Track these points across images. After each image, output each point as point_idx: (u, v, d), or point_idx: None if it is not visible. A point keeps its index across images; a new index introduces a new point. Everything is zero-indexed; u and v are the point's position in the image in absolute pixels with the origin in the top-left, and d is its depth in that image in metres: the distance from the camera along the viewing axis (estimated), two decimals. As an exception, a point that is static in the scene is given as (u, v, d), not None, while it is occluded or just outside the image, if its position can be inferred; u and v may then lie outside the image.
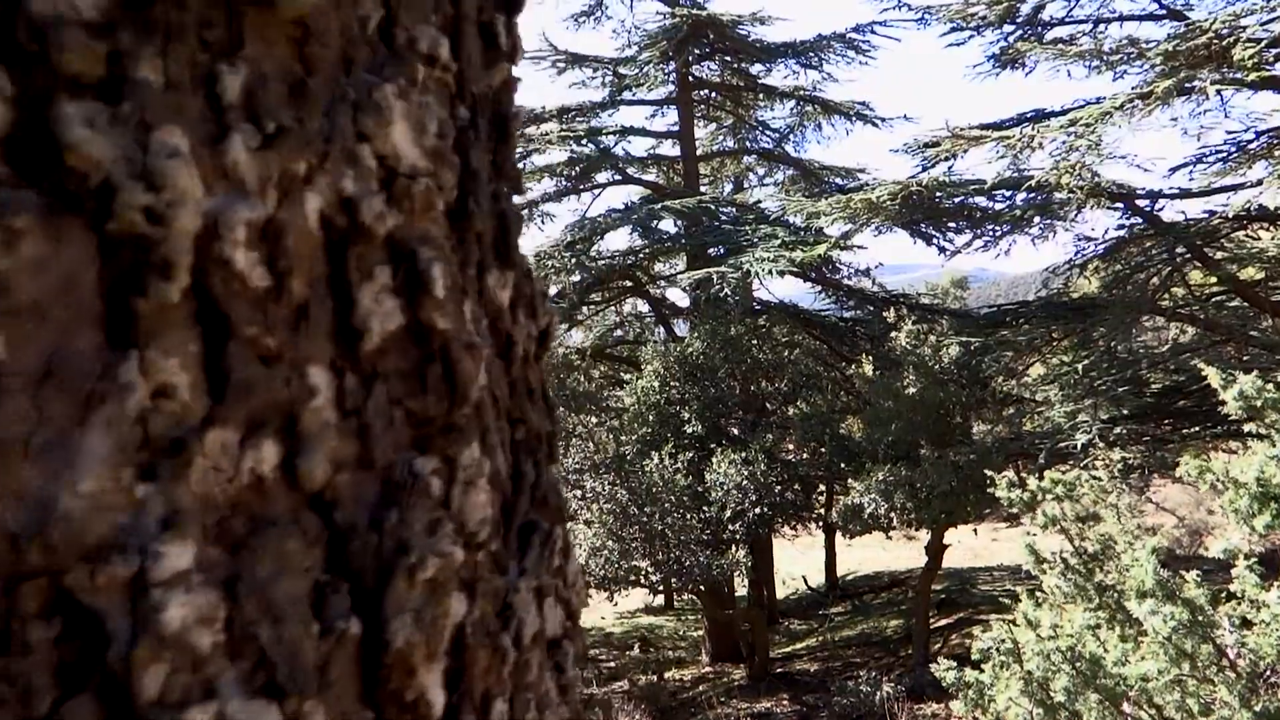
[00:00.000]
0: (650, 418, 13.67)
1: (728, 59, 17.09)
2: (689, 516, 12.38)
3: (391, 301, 0.41)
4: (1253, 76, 8.67)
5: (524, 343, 0.57)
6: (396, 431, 0.42)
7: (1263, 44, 8.37)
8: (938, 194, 11.94)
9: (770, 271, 13.80)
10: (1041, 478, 4.85)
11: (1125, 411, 11.17)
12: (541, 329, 0.63)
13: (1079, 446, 11.01)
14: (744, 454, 12.54)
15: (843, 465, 13.15)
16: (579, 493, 12.97)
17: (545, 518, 0.57)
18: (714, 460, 12.59)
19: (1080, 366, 11.54)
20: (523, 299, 0.58)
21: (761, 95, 17.56)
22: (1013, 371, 13.03)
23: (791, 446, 14.41)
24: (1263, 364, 9.55)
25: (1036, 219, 11.54)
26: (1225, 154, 10.68)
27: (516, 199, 0.60)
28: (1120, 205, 11.10)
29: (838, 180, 16.87)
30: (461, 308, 0.45)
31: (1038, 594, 5.08)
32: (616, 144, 17.21)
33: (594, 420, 13.93)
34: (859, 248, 15.15)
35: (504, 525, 0.52)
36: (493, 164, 0.56)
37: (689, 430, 13.44)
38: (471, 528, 0.45)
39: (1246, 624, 4.20)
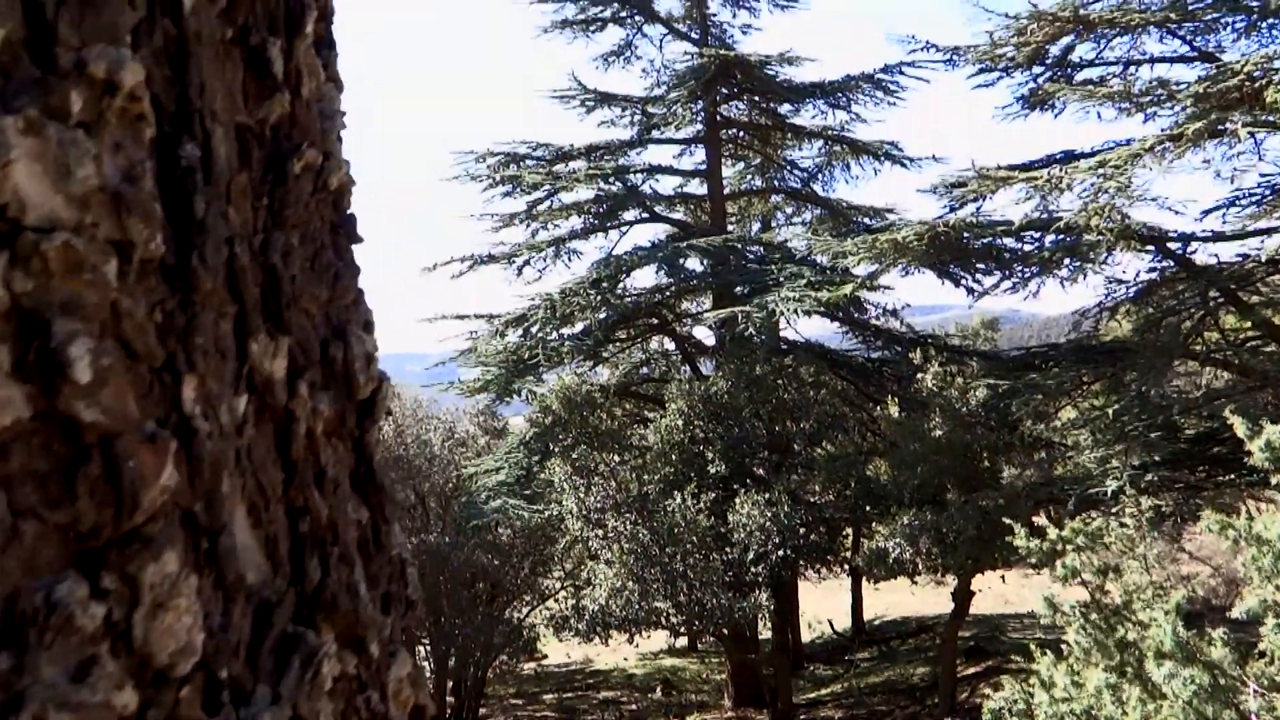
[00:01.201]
0: (674, 457, 13.54)
1: (756, 99, 17.11)
2: (711, 557, 12.22)
3: (10, 389, 0.33)
4: (1285, 118, 8.50)
5: (308, 419, 0.48)
6: (31, 549, 0.34)
7: (1295, 86, 8.21)
8: (965, 235, 11.80)
9: (796, 311, 13.71)
10: (1061, 527, 4.68)
11: (1157, 458, 10.91)
12: (363, 397, 0.54)
13: (1110, 493, 10.75)
14: (768, 495, 12.37)
15: (868, 508, 12.95)
16: (600, 532, 12.86)
17: (329, 626, 0.48)
18: (737, 501, 12.44)
19: (1111, 411, 11.29)
20: (316, 365, 0.50)
21: (789, 135, 17.55)
22: (1043, 415, 12.78)
23: (816, 488, 14.23)
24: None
25: (1066, 261, 11.36)
26: (1259, 197, 10.48)
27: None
28: (1151, 248, 10.91)
29: (866, 220, 16.77)
30: (148, 390, 0.37)
31: (1063, 646, 4.90)
32: (644, 182, 17.24)
33: (617, 459, 13.80)
34: (886, 288, 15.03)
35: (253, 643, 0.43)
36: (269, 211, 0.48)
37: (712, 470, 13.30)
38: (163, 660, 0.37)
39: (1276, 686, 4.00)
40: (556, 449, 14.04)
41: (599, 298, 15.25)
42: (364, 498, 0.55)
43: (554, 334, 15.54)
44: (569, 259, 17.15)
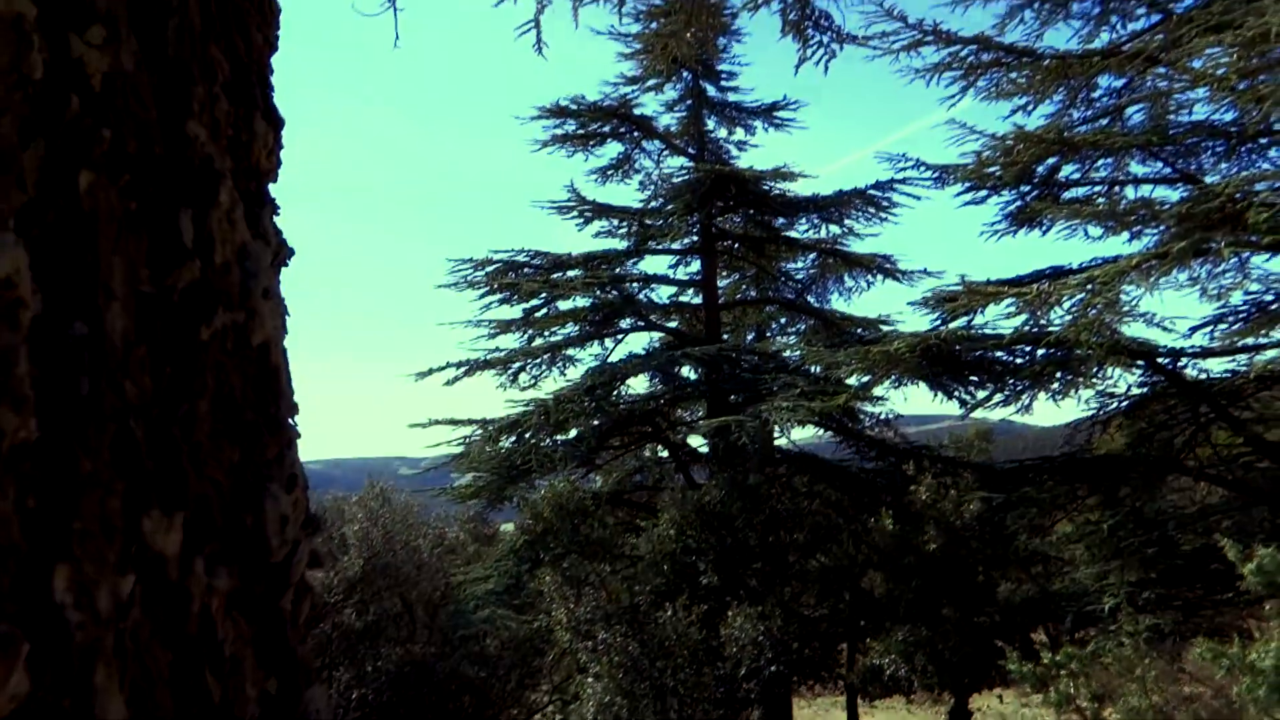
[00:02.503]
0: (665, 567, 13.37)
1: (751, 212, 17.44)
2: (703, 672, 11.94)
3: None
4: (1267, 239, 8.66)
5: (204, 595, 0.47)
6: None
7: (1275, 209, 8.39)
8: (957, 347, 11.88)
9: (790, 421, 13.70)
10: (1055, 651, 4.57)
11: (1154, 574, 10.77)
12: (276, 560, 0.53)
13: (1107, 610, 10.58)
14: (760, 608, 12.16)
15: (863, 623, 12.72)
16: (590, 644, 12.58)
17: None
18: (729, 613, 12.22)
19: (1106, 526, 11.20)
20: (219, 535, 0.48)
21: (784, 247, 17.83)
22: (1038, 529, 12.67)
23: (811, 601, 14.00)
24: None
25: (1057, 374, 11.41)
26: (1245, 314, 10.61)
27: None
28: (1141, 363, 10.98)
29: (859, 330, 16.92)
30: (11, 584, 0.36)
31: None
32: (640, 291, 17.44)
33: (608, 568, 13.61)
34: (879, 399, 15.05)
35: None
36: (172, 379, 0.47)
37: (704, 581, 13.10)
38: None
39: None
40: (547, 558, 13.86)
41: (593, 404, 15.27)
42: (273, 667, 0.53)
43: (548, 440, 15.50)
44: (564, 366, 17.22)
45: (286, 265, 0.82)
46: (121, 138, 0.42)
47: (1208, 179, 10.59)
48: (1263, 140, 10.37)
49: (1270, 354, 10.15)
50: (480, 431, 15.81)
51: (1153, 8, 10.97)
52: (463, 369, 16.40)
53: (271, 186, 0.86)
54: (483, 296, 16.67)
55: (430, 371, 16.43)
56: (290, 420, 0.71)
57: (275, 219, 0.80)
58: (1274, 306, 10.39)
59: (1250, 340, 10.67)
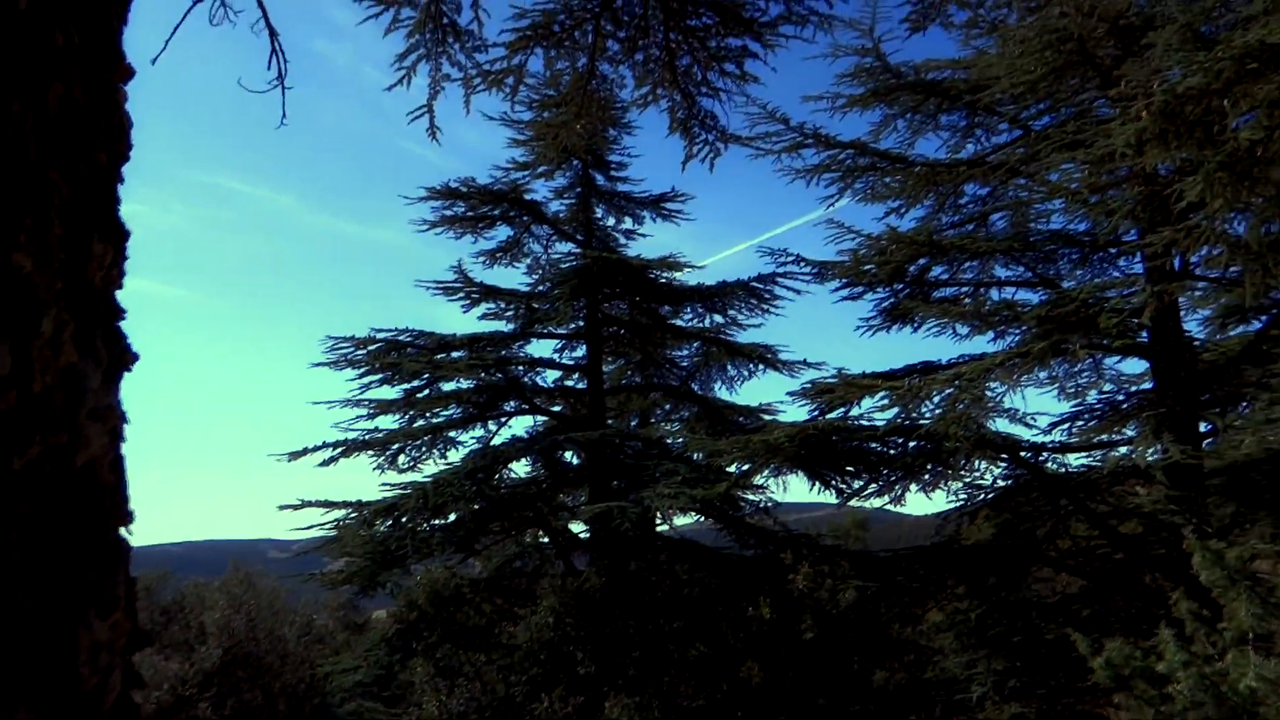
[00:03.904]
0: (543, 656, 13.10)
1: (637, 299, 17.69)
2: (579, 767, 11.67)
3: None
4: (1117, 343, 9.21)
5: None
6: None
7: (1124, 314, 8.97)
8: (834, 437, 12.18)
9: (671, 507, 13.74)
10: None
11: (1019, 663, 11.06)
12: (87, 688, 0.52)
13: (975, 699, 10.80)
14: (638, 698, 12.00)
15: (740, 713, 12.67)
16: (462, 738, 12.18)
17: None
18: (607, 705, 12.01)
19: (974, 615, 11.49)
20: (20, 669, 0.47)
21: (669, 335, 18.10)
22: (910, 617, 12.91)
23: (689, 690, 13.88)
24: (1147, 622, 9.63)
25: (927, 466, 11.79)
26: (1100, 412, 11.21)
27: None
28: (1005, 456, 11.44)
29: (741, 419, 17.18)
30: None
31: None
32: (525, 375, 17.39)
33: (484, 658, 13.26)
34: (760, 488, 15.24)
35: None
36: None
37: (582, 671, 12.88)
38: None
39: None
40: (420, 647, 13.44)
41: (474, 488, 15.02)
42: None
43: (425, 524, 15.14)
44: (444, 448, 16.94)
45: (130, 370, 0.81)
46: (-63, 274, 0.42)
47: (1065, 284, 11.26)
48: (1113, 250, 11.12)
49: (1123, 450, 10.71)
50: (354, 514, 15.34)
51: (1013, 124, 11.74)
52: (339, 450, 15.95)
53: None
54: (362, 376, 16.35)
55: (304, 451, 15.91)
56: (121, 533, 0.69)
57: (120, 324, 0.79)
58: (1126, 405, 11.01)
59: (1105, 436, 11.24)
